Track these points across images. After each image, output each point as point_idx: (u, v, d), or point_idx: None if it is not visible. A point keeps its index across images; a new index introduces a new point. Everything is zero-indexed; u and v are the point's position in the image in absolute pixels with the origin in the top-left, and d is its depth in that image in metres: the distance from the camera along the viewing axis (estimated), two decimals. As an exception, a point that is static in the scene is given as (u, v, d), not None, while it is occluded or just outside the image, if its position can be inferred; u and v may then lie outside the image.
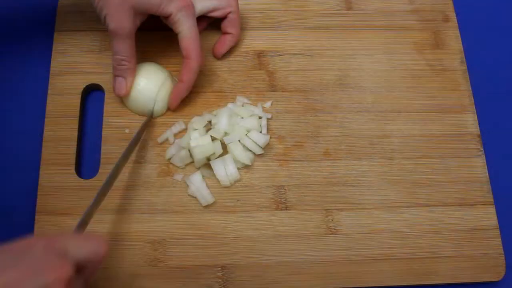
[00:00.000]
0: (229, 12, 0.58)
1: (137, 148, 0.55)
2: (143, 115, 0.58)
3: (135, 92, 0.56)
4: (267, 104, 0.60)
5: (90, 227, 0.53)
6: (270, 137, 0.58)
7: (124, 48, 0.53)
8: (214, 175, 0.55)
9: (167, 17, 0.53)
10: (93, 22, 0.60)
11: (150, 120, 0.57)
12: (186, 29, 0.53)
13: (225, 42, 0.60)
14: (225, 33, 0.60)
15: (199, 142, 0.54)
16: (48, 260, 0.36)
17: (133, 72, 0.56)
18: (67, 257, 0.37)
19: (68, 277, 0.36)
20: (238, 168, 0.56)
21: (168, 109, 0.58)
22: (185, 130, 0.57)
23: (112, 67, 0.55)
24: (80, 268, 0.39)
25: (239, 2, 0.59)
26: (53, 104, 0.57)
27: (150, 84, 0.56)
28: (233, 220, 0.54)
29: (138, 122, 0.57)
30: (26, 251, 0.36)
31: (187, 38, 0.53)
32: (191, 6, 0.53)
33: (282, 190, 0.56)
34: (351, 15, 0.65)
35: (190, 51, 0.54)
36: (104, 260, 0.40)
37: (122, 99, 0.57)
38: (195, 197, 0.55)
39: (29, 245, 0.37)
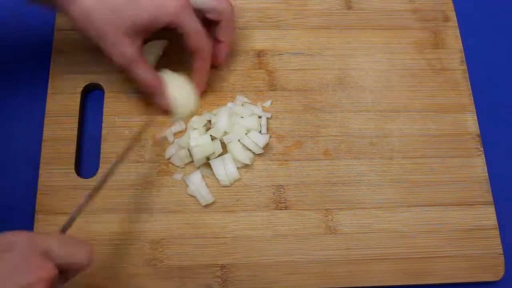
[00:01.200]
0: (224, 19, 0.55)
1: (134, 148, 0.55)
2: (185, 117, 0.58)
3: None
4: (267, 104, 0.60)
5: (89, 227, 0.53)
6: (270, 137, 0.58)
7: (139, 71, 0.53)
8: (213, 174, 0.55)
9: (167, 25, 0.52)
10: (93, 21, 0.60)
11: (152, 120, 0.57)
12: (190, 29, 0.52)
13: (221, 52, 0.58)
14: (217, 40, 0.57)
15: (198, 141, 0.54)
16: (31, 259, 0.36)
17: (161, 85, 0.55)
18: (50, 257, 0.37)
19: (51, 277, 0.36)
20: (238, 168, 0.56)
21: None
22: (184, 130, 0.57)
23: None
24: (62, 270, 0.38)
25: (239, 1, 0.58)
26: (52, 103, 0.57)
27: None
28: (233, 220, 0.54)
29: (137, 121, 0.57)
30: (7, 249, 0.36)
31: (193, 36, 0.52)
32: (187, 5, 0.51)
33: (282, 190, 0.56)
34: (351, 14, 0.65)
35: (199, 45, 0.53)
36: (88, 267, 0.40)
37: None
38: (194, 197, 0.55)
39: (11, 242, 0.36)
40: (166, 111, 0.57)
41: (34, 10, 0.54)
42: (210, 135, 0.55)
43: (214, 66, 0.59)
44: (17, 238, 0.37)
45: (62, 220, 0.44)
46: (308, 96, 0.60)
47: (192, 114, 0.58)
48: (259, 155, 0.57)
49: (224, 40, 0.56)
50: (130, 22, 0.49)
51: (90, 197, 0.47)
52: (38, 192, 0.54)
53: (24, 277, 0.35)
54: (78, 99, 0.58)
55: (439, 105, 0.61)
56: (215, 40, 0.57)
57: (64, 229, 0.44)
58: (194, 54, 0.54)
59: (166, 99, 0.56)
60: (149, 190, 0.55)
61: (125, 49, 0.51)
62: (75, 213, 0.45)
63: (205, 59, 0.55)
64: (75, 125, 0.57)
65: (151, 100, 0.57)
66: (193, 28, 0.52)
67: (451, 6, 0.67)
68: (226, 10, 0.54)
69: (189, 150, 0.55)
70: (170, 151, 0.56)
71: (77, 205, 0.45)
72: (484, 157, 0.59)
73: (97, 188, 0.47)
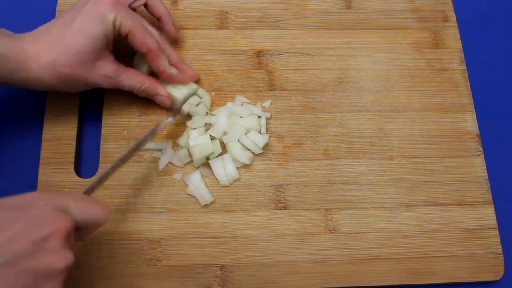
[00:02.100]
0: None
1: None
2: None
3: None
4: (266, 104, 0.60)
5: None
6: (269, 136, 0.58)
7: (130, 79, 0.54)
8: (213, 174, 0.55)
9: (126, 36, 0.52)
10: (93, 21, 0.60)
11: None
12: (132, 25, 0.51)
13: (167, 26, 0.58)
14: (157, 19, 0.58)
15: (198, 141, 0.54)
16: (49, 214, 0.38)
17: (158, 84, 0.56)
18: (67, 213, 0.39)
19: (67, 229, 0.38)
20: (237, 168, 0.56)
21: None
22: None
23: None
24: (78, 228, 0.40)
25: (238, 1, 0.59)
26: (52, 103, 0.57)
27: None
28: (232, 220, 0.54)
29: (136, 121, 0.57)
30: (27, 207, 0.38)
31: (137, 32, 0.52)
32: (118, 2, 0.51)
33: (281, 190, 0.56)
34: (350, 14, 0.65)
35: (146, 40, 0.52)
36: (103, 226, 0.42)
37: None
38: (194, 197, 0.55)
39: (30, 200, 0.38)
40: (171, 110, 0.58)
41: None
42: (210, 135, 0.55)
43: (175, 42, 0.60)
44: (35, 196, 0.39)
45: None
46: (308, 96, 0.60)
47: (203, 112, 0.58)
48: (258, 155, 0.57)
49: (162, 14, 0.58)
50: (84, 49, 0.50)
51: (116, 165, 0.50)
52: (37, 191, 0.54)
53: (39, 232, 0.36)
54: (78, 99, 0.58)
55: (439, 105, 0.61)
56: (157, 19, 0.58)
57: (86, 192, 0.47)
58: (146, 55, 0.54)
59: (167, 99, 0.56)
60: (148, 190, 0.55)
61: (105, 71, 0.52)
62: (100, 179, 0.48)
63: (158, 56, 0.54)
64: (75, 125, 0.57)
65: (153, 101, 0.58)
66: (134, 23, 0.51)
67: (450, 6, 0.67)
68: None
69: (188, 150, 0.55)
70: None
71: (103, 170, 0.48)
72: (483, 157, 0.59)
73: (124, 158, 0.51)
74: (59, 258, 0.37)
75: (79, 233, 0.41)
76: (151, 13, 0.58)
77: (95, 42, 0.50)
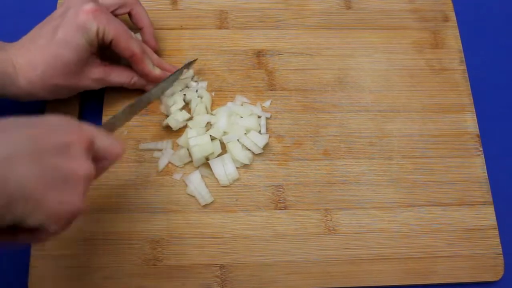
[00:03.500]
0: (133, 7, 0.56)
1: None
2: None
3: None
4: (266, 103, 0.60)
5: (89, 227, 0.53)
6: (269, 137, 0.58)
7: (119, 76, 0.55)
8: (213, 174, 0.55)
9: (110, 43, 0.52)
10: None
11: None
12: (116, 31, 0.51)
13: (147, 37, 0.58)
14: (139, 28, 0.58)
15: (198, 141, 0.54)
16: (71, 125, 0.39)
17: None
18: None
19: (88, 140, 0.39)
20: (237, 167, 0.56)
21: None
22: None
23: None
24: (93, 159, 0.41)
25: (238, 1, 0.59)
26: (52, 103, 0.57)
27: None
28: (232, 220, 0.54)
29: (136, 121, 0.57)
30: (49, 120, 0.39)
31: (122, 38, 0.52)
32: (98, 10, 0.50)
33: (281, 190, 0.56)
34: (350, 14, 0.65)
35: (130, 45, 0.53)
36: (118, 159, 0.43)
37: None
38: (193, 196, 0.55)
39: (50, 118, 0.39)
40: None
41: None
42: (210, 135, 0.55)
43: (154, 48, 0.59)
44: (53, 117, 0.39)
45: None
46: (308, 96, 0.60)
47: (203, 111, 0.58)
48: (258, 155, 0.57)
49: (144, 25, 0.58)
50: (71, 60, 0.50)
51: (141, 100, 0.53)
52: (37, 191, 0.54)
53: (62, 136, 0.37)
54: (78, 99, 0.58)
55: (439, 105, 0.61)
56: (139, 29, 0.58)
57: (104, 127, 0.48)
58: (130, 59, 0.54)
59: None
60: (148, 189, 0.55)
61: (93, 75, 0.53)
62: (122, 110, 0.50)
63: (142, 59, 0.54)
64: (75, 125, 0.57)
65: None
66: (116, 30, 0.51)
67: (450, 6, 0.67)
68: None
69: (188, 150, 0.55)
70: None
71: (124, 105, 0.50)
72: (483, 157, 0.59)
73: (146, 97, 0.53)
74: (81, 164, 0.38)
75: (95, 167, 0.41)
76: (134, 23, 0.58)
77: (80, 53, 0.50)
